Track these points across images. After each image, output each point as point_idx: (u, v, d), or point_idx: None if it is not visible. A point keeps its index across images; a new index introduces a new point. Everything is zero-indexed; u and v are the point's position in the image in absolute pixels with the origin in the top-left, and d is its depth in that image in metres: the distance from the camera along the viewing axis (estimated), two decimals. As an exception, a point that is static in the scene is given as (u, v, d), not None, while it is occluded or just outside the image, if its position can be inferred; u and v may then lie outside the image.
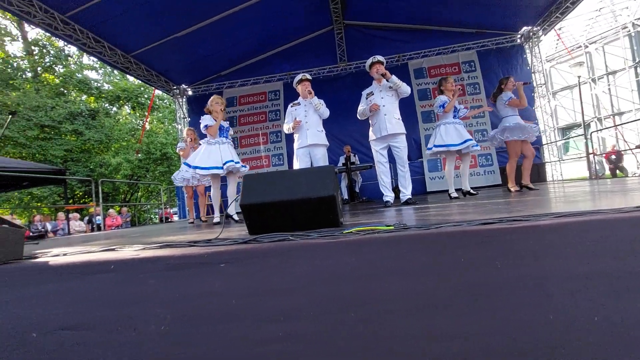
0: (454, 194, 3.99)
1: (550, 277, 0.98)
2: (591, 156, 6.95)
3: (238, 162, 3.87)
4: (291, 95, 7.55)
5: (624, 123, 12.55)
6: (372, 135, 3.72)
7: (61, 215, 8.88)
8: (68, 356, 1.31)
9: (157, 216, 13.94)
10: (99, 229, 7.54)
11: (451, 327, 1.04)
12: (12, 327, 1.38)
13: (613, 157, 9.76)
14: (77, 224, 8.91)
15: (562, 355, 0.88)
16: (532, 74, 7.64)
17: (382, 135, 3.56)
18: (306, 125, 3.65)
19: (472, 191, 4.17)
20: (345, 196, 7.13)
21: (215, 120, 3.75)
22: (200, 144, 4.86)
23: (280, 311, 1.19)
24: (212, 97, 3.89)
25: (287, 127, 3.80)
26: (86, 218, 9.44)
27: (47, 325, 1.36)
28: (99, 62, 14.43)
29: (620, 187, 3.16)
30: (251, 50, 7.92)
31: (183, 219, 7.76)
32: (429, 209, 2.58)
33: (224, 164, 3.70)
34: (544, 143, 7.71)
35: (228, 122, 4.07)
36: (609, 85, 14.32)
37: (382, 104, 3.58)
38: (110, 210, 9.79)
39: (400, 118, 3.64)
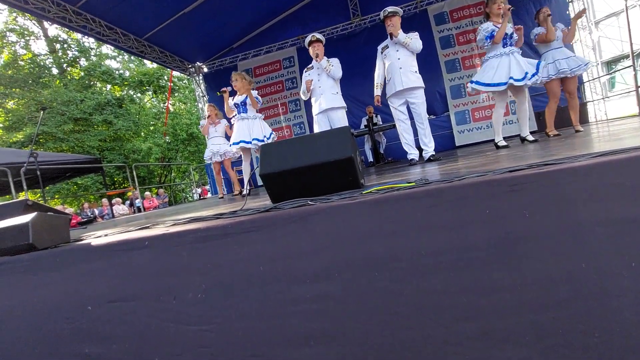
0: (502, 142, 3.40)
1: (585, 223, 0.91)
2: (641, 89, 6.27)
3: (265, 138, 4.07)
4: (306, 60, 7.30)
5: (682, 47, 11.11)
6: (388, 92, 3.55)
7: (105, 201, 9.51)
8: (119, 326, 1.44)
9: (193, 194, 14.59)
10: (139, 210, 8.04)
11: (480, 282, 1.01)
12: (70, 302, 1.53)
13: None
14: (121, 208, 9.53)
15: (598, 305, 0.83)
16: (570, 3, 6.83)
17: (397, 90, 3.38)
18: (320, 90, 3.56)
19: (530, 137, 3.43)
20: (371, 158, 7.03)
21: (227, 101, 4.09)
22: (220, 121, 4.95)
23: (307, 273, 1.22)
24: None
25: (302, 93, 3.74)
26: (127, 202, 10.06)
27: (98, 299, 1.49)
28: (116, 50, 14.65)
29: (674, 119, 2.84)
30: (260, 17, 7.65)
31: (215, 195, 8.06)
32: (455, 163, 2.48)
33: (246, 142, 3.99)
34: (585, 80, 7.04)
35: (247, 95, 4.09)
36: (663, 5, 12.58)
37: (398, 57, 3.37)
38: (146, 193, 10.36)
39: (418, 71, 3.42)
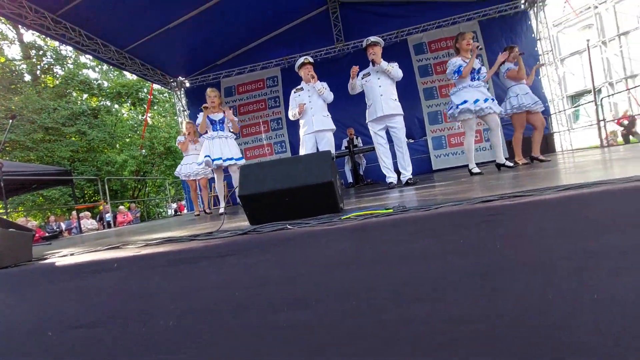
0: (476, 169, 3.49)
1: (553, 255, 0.95)
2: (602, 123, 6.75)
3: (239, 159, 4.13)
4: (289, 81, 7.42)
5: (638, 86, 12.12)
6: (368, 117, 3.65)
7: (75, 214, 9.06)
8: (82, 354, 1.34)
9: (168, 210, 14.15)
10: (109, 225, 7.68)
11: (457, 311, 1.03)
12: (29, 327, 1.42)
13: (625, 122, 9.49)
14: (89, 222, 9.08)
15: (566, 334, 0.86)
16: (538, 41, 7.36)
17: (378, 116, 3.48)
18: (311, 111, 3.59)
19: (508, 163, 3.54)
20: (350, 179, 7.10)
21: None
22: (200, 139, 4.90)
23: (284, 300, 1.19)
24: (206, 92, 4.13)
25: (292, 114, 3.71)
26: (98, 216, 9.62)
27: (60, 324, 1.39)
28: (95, 60, 14.36)
29: (632, 154, 3.06)
30: (245, 36, 7.76)
31: (191, 212, 7.85)
32: (431, 189, 2.54)
33: (223, 160, 4.01)
34: (552, 113, 7.50)
35: (224, 112, 4.14)
36: (620, 47, 13.77)
37: (379, 85, 3.49)
38: (121, 207, 9.95)
39: (397, 99, 3.54)
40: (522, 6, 7.40)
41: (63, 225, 9.05)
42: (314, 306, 1.15)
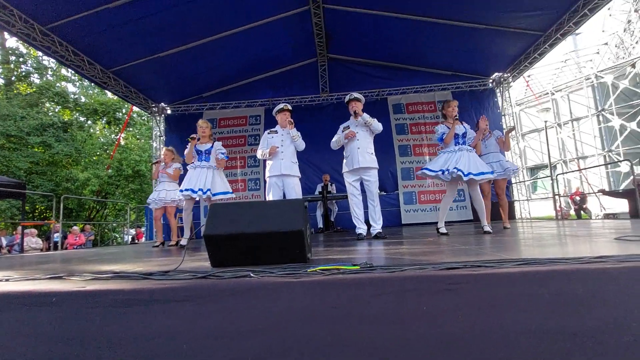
0: (443, 229, 3.59)
1: (510, 330, 0.97)
2: (557, 197, 7.29)
3: (223, 193, 4.11)
4: (272, 121, 7.58)
5: (587, 168, 13.38)
6: (345, 167, 3.75)
7: (20, 230, 8.28)
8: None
9: (125, 236, 13.27)
10: (55, 247, 7.06)
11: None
12: None
13: (577, 198, 10.29)
14: (34, 241, 8.31)
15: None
16: (503, 117, 8.08)
17: (354, 167, 3.59)
18: (281, 155, 3.67)
19: (486, 228, 3.54)
20: (320, 225, 7.07)
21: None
22: (172, 164, 4.77)
23: (239, 356, 1.11)
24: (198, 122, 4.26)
25: (261, 153, 3.78)
26: (45, 235, 8.84)
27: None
28: (76, 75, 14.14)
29: (584, 230, 3.29)
30: (235, 74, 7.99)
31: (150, 241, 7.40)
32: (399, 245, 2.57)
33: (203, 191, 3.92)
34: (513, 182, 8.04)
35: (212, 144, 4.23)
36: (573, 130, 15.37)
37: (357, 138, 3.64)
38: (74, 228, 9.22)
39: (374, 153, 3.69)
40: (490, 84, 8.21)
41: (4, 241, 8.22)
42: (268, 366, 1.08)
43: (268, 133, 3.87)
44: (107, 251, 4.32)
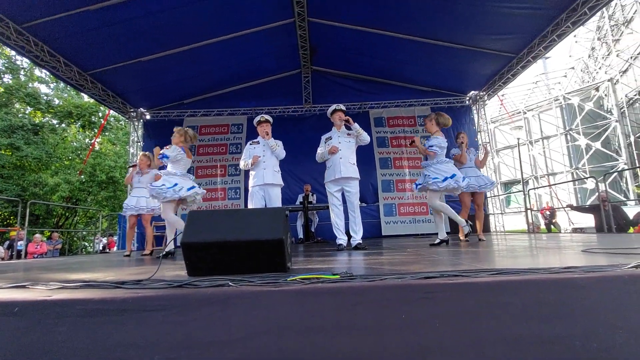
0: (437, 240, 3.83)
1: (485, 338, 0.99)
2: (529, 211, 7.59)
3: (192, 189, 3.62)
4: (254, 131, 7.56)
5: (557, 184, 14.04)
6: (327, 177, 3.78)
7: (-24, 238, 7.76)
8: None
9: (96, 245, 12.68)
10: (19, 255, 6.66)
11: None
12: None
13: (547, 213, 10.74)
14: (-6, 249, 7.81)
15: None
16: (478, 133, 8.40)
17: (336, 177, 3.63)
18: (263, 165, 3.69)
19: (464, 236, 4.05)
20: (301, 235, 7.03)
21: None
22: (149, 171, 4.56)
23: (211, 368, 1.07)
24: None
25: (243, 164, 3.80)
26: (7, 242, 8.33)
27: None
28: (51, 76, 13.66)
29: (554, 243, 3.43)
30: (218, 82, 7.95)
31: (122, 250, 7.11)
32: (379, 256, 2.59)
33: (187, 189, 3.55)
34: (488, 196, 8.31)
35: (182, 152, 3.78)
36: (543, 148, 16.14)
37: (340, 149, 3.69)
38: (36, 235, 8.71)
39: (356, 164, 3.74)
40: (467, 102, 8.55)
41: (-41, 249, 7.68)
42: (244, 377, 1.05)
43: (250, 144, 3.90)
44: (75, 260, 4.11)
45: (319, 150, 3.86)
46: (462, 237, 4.23)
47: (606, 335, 0.99)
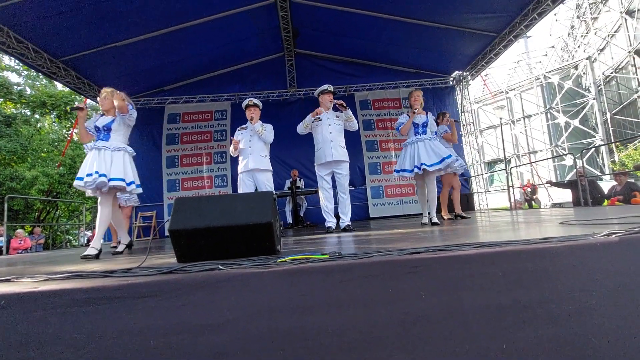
0: (424, 220, 3.63)
1: (469, 307, 1.04)
2: (511, 189, 7.81)
3: (119, 180, 2.81)
4: (238, 116, 7.44)
5: (537, 161, 14.43)
6: (317, 160, 3.78)
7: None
8: None
9: (81, 238, 12.44)
10: (1, 252, 6.49)
11: None
12: None
13: (529, 189, 11.07)
14: (-27, 247, 7.56)
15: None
16: (462, 113, 8.49)
17: (326, 160, 3.63)
18: (249, 150, 3.65)
19: (434, 219, 3.55)
20: (290, 220, 7.07)
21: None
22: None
23: (209, 350, 1.09)
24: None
25: (231, 149, 3.80)
26: (-13, 239, 8.07)
27: None
28: (21, 64, 12.97)
29: (535, 217, 3.56)
30: (199, 67, 7.73)
31: (108, 242, 7.01)
32: (367, 236, 2.64)
33: (108, 179, 2.75)
34: (472, 175, 8.50)
35: (114, 117, 3.03)
36: (525, 127, 16.48)
37: (330, 131, 3.68)
38: (19, 231, 8.49)
39: (345, 147, 3.75)
40: (451, 82, 8.59)
41: None
42: (239, 357, 1.07)
43: (239, 130, 3.87)
44: (60, 254, 4.04)
45: (302, 122, 3.77)
46: (445, 216, 4.35)
47: (580, 298, 1.05)
